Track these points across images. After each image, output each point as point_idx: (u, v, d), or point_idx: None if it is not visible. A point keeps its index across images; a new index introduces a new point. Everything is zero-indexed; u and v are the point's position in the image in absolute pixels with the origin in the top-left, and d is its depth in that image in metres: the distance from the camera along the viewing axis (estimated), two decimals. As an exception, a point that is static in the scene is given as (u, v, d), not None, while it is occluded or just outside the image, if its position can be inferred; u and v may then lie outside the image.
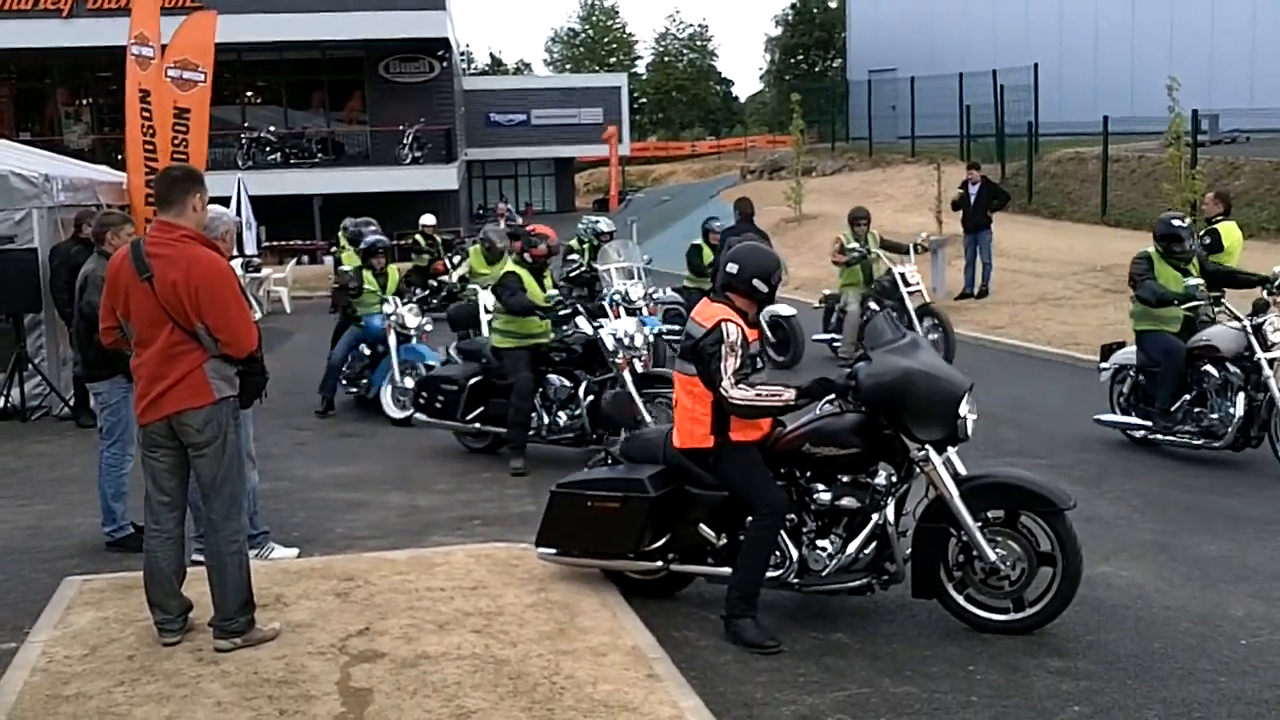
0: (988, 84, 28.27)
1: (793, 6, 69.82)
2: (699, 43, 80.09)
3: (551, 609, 5.90)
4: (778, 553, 5.87)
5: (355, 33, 33.69)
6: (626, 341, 9.26)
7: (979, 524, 5.66)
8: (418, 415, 10.13)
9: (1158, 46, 31.76)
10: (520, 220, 29.79)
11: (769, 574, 5.83)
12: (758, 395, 5.68)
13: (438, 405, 9.90)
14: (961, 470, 5.81)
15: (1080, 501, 6.47)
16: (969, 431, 5.72)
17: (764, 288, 5.92)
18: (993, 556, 5.62)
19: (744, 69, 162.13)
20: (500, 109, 50.29)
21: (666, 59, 78.78)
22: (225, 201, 20.53)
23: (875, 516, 5.76)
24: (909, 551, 5.82)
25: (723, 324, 5.75)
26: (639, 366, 9.35)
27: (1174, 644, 5.60)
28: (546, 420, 9.61)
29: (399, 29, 34.13)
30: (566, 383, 9.62)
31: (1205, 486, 8.50)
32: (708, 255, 14.79)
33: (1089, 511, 7.50)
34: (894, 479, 5.83)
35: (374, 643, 5.41)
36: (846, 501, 5.81)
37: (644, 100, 75.47)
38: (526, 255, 10.01)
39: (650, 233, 34.38)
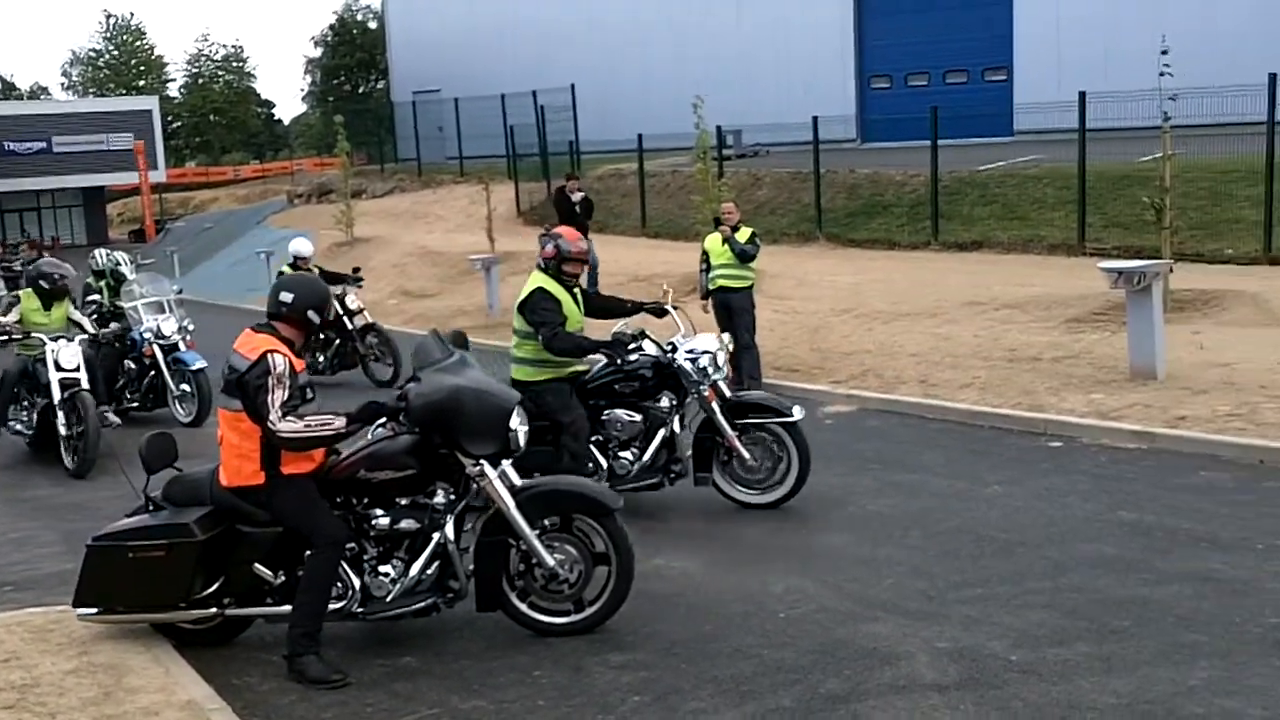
0: (530, 104, 29.11)
1: (331, 28, 68.81)
2: (235, 64, 77.18)
3: (95, 673, 5.47)
4: (339, 584, 5.74)
5: None
6: (708, 365, 7.93)
7: (537, 532, 5.79)
8: None
9: (695, 66, 33.58)
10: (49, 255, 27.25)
11: (331, 606, 5.70)
12: (307, 426, 5.52)
13: None
14: (517, 482, 5.92)
15: (631, 501, 6.80)
16: (521, 444, 5.85)
17: (318, 319, 5.86)
18: (551, 562, 5.78)
19: (285, 91, 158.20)
20: (16, 136, 46.40)
21: (201, 81, 75.31)
22: None
23: (436, 536, 5.76)
24: (472, 567, 5.86)
25: (269, 355, 5.55)
26: (725, 391, 8.04)
27: (723, 624, 5.98)
28: (605, 465, 7.90)
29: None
30: (634, 417, 7.92)
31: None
32: None
33: (641, 510, 7.85)
34: (452, 496, 5.85)
35: (-120, 740, 4.79)
36: (406, 524, 5.77)
37: (179, 124, 71.84)
38: (565, 268, 7.83)
39: (194, 262, 32.79)
